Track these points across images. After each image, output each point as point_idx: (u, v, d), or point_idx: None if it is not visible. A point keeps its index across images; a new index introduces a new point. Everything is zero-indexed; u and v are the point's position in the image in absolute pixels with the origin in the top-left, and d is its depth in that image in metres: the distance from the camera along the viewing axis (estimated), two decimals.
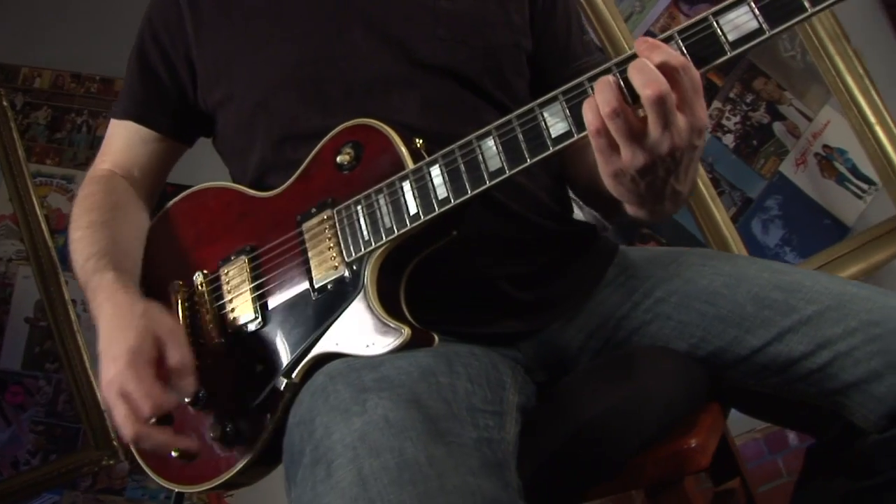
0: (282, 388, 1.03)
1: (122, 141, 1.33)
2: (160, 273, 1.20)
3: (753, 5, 0.90)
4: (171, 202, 1.26)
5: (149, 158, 1.32)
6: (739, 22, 0.91)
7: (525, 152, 0.96)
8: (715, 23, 0.91)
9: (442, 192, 0.99)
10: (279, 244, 1.10)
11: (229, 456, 1.06)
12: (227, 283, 1.13)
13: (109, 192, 1.26)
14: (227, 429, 1.06)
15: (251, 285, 1.11)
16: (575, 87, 0.94)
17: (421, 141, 1.06)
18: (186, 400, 1.08)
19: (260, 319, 1.09)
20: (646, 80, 0.83)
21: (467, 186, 0.98)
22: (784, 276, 1.11)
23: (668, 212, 0.98)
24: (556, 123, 0.95)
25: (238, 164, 1.28)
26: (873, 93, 2.56)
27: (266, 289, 1.10)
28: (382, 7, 1.20)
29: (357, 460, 0.76)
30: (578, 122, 0.93)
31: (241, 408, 1.07)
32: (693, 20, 0.93)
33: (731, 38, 0.90)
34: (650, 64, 0.85)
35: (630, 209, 0.98)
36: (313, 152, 1.12)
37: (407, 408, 0.81)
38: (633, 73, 0.85)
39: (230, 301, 1.12)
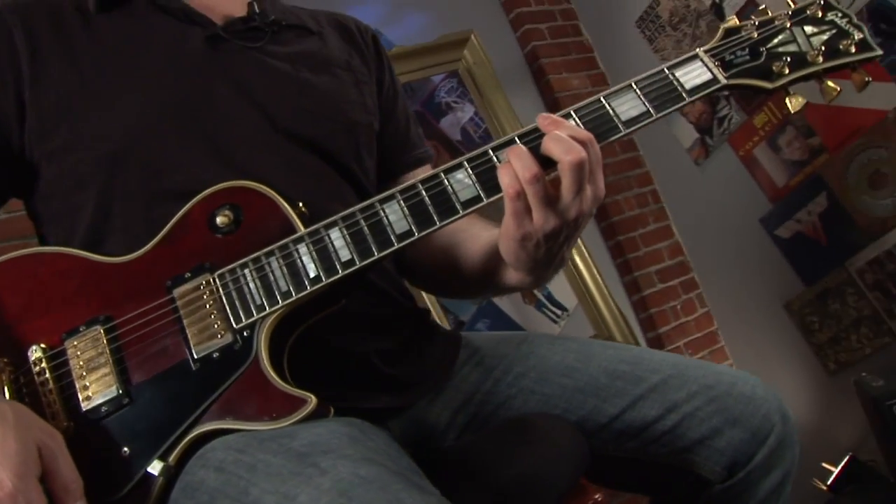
0: (157, 472, 0.91)
1: None
2: None
3: (638, 91, 1.02)
4: None
5: None
6: (627, 106, 1.02)
7: (434, 215, 0.97)
8: (606, 104, 1.01)
9: (345, 254, 0.97)
10: (144, 313, 0.99)
11: None
12: (77, 357, 0.98)
13: None
14: None
15: (112, 358, 0.97)
16: (480, 156, 0.98)
17: (302, 205, 1.03)
18: None
19: (124, 396, 0.96)
20: (566, 148, 0.90)
21: (373, 248, 0.96)
22: (625, 352, 1.21)
23: (549, 278, 1.05)
24: (463, 189, 0.97)
25: (63, 226, 1.12)
26: None
27: (130, 362, 0.98)
28: (247, 71, 1.16)
29: None
30: (487, 188, 0.96)
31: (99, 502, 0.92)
32: (586, 101, 1.02)
33: (623, 118, 1.00)
34: (564, 135, 0.92)
35: (517, 276, 1.04)
36: (180, 213, 1.03)
37: (369, 465, 0.77)
38: (551, 142, 0.92)
39: (81, 377, 0.97)
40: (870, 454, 2.68)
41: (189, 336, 0.96)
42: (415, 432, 1.16)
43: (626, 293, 3.59)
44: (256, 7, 1.22)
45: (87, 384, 0.97)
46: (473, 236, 1.18)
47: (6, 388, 0.97)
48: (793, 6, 1.15)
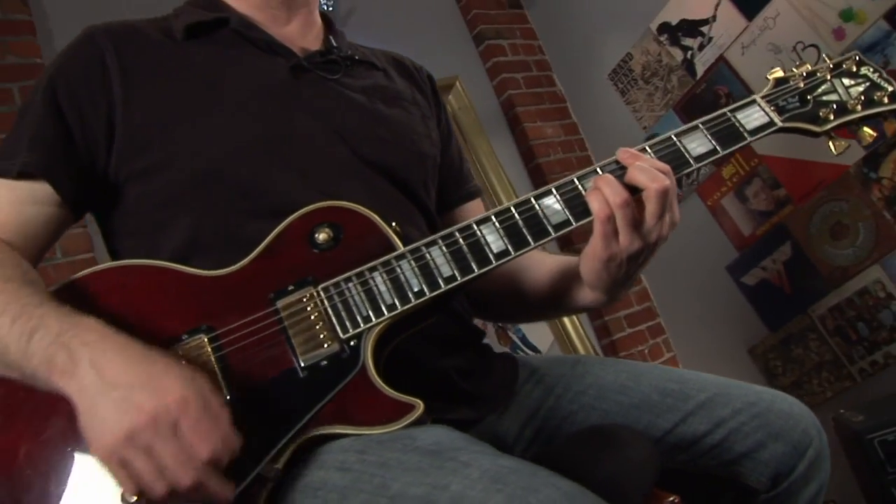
0: (268, 475, 0.95)
1: (6, 201, 1.11)
2: None
3: (705, 131, 1.12)
4: (68, 280, 1.08)
5: (41, 226, 1.13)
6: (696, 144, 1.12)
7: (528, 236, 1.04)
8: (678, 142, 1.11)
9: (446, 270, 1.03)
10: (247, 323, 1.03)
11: None
12: None
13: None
14: None
15: (218, 367, 1.01)
16: (566, 184, 1.07)
17: (395, 224, 1.09)
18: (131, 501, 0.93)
19: (232, 402, 0.99)
20: (652, 177, 1.01)
21: (473, 266, 1.03)
22: (670, 372, 1.29)
23: (621, 297, 1.14)
24: (553, 213, 1.05)
25: (146, 242, 1.15)
26: None
27: (235, 370, 1.01)
28: (327, 101, 1.23)
29: (514, 499, 0.74)
30: (575, 213, 1.05)
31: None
32: (659, 139, 1.12)
33: (693, 154, 1.10)
34: (647, 166, 1.01)
35: (593, 295, 1.14)
36: (278, 230, 1.08)
37: (505, 457, 0.83)
38: (637, 172, 1.02)
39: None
40: (838, 494, 2.79)
41: (295, 345, 1.01)
42: (488, 443, 1.21)
43: (597, 337, 3.69)
44: (334, 41, 1.29)
45: None
46: (537, 262, 1.26)
47: None
48: (828, 62, 1.26)
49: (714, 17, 3.42)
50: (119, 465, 0.85)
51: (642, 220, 1.03)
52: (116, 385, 0.87)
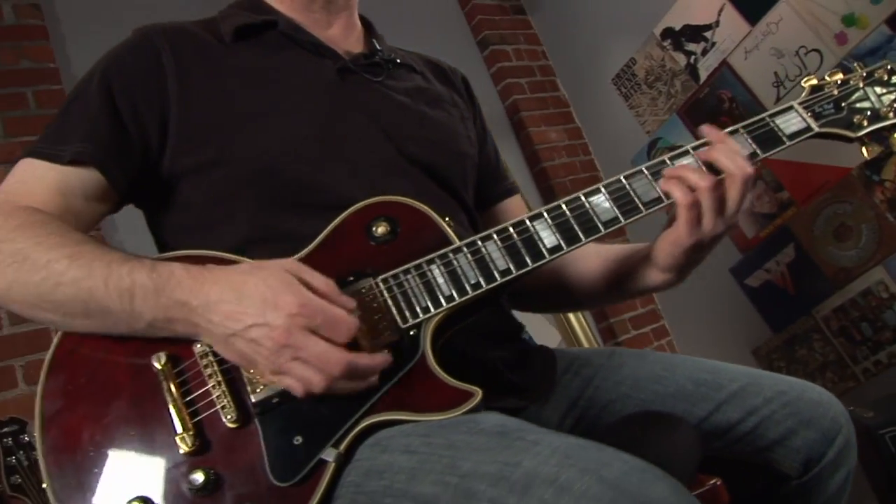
0: (331, 459, 0.98)
1: (54, 186, 1.12)
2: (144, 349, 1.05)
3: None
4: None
5: (83, 215, 1.15)
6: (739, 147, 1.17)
7: (579, 232, 1.09)
8: (771, 122, 1.18)
9: (501, 263, 1.07)
10: None
11: None
12: None
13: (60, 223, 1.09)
14: None
15: None
16: (613, 183, 1.13)
17: (448, 219, 1.12)
18: (196, 483, 0.96)
19: None
20: (740, 164, 1.08)
21: (527, 259, 1.07)
22: (702, 363, 1.33)
23: (687, 277, 1.22)
24: (603, 211, 1.11)
25: (199, 235, 1.17)
26: None
27: None
28: (374, 101, 1.27)
29: (587, 472, 0.78)
30: (624, 211, 1.11)
31: (269, 489, 0.98)
32: (752, 119, 1.19)
33: (787, 132, 1.18)
34: (733, 149, 1.10)
35: (663, 277, 1.22)
36: (335, 223, 1.11)
37: (569, 436, 0.86)
38: (722, 156, 1.09)
39: (249, 370, 1.03)
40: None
41: (357, 335, 1.04)
42: None
43: (602, 339, 3.73)
44: (377, 45, 1.33)
45: (256, 378, 1.02)
46: (582, 254, 1.30)
47: (171, 382, 1.02)
48: (860, 70, 1.31)
49: (717, 23, 3.48)
50: (280, 379, 0.95)
51: (724, 206, 1.09)
52: (239, 323, 0.95)
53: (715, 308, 3.68)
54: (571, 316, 3.45)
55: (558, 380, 1.32)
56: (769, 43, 3.31)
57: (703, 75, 3.56)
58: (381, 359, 0.98)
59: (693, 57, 3.60)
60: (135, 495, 0.97)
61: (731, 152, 1.10)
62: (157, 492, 0.97)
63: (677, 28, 3.65)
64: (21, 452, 1.89)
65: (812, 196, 3.26)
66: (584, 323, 3.49)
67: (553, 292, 1.41)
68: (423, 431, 0.95)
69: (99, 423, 1.01)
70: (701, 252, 1.13)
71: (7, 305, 1.07)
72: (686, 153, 1.14)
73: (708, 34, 3.52)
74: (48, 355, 1.06)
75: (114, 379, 1.04)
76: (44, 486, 1.01)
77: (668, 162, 1.12)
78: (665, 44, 3.70)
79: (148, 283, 0.99)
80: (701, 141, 1.16)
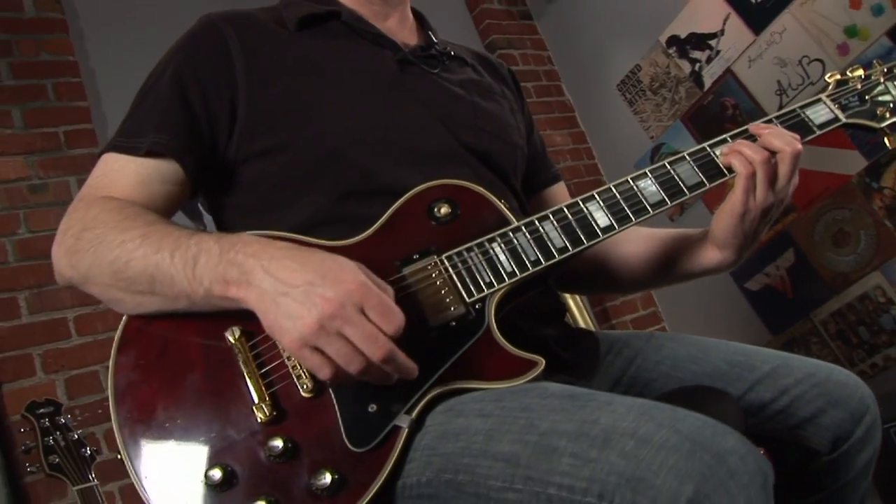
0: (405, 425, 1.03)
1: (134, 177, 1.19)
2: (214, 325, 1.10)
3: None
4: None
5: (163, 202, 1.21)
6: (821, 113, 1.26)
7: (629, 213, 1.17)
8: (802, 113, 1.27)
9: (558, 242, 1.13)
10: None
11: None
12: None
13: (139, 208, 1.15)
14: (335, 477, 1.00)
15: None
16: (658, 168, 1.19)
17: (504, 202, 1.19)
18: (276, 450, 1.01)
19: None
20: (788, 141, 1.18)
21: (582, 238, 1.14)
22: (735, 346, 1.40)
23: (744, 258, 1.30)
24: (650, 194, 1.18)
25: (263, 217, 1.24)
26: None
27: None
28: (431, 92, 1.33)
29: (664, 426, 0.84)
30: (670, 194, 1.18)
31: (345, 454, 1.02)
32: (784, 111, 1.28)
33: (816, 122, 1.27)
34: (781, 131, 1.19)
35: (720, 255, 1.29)
36: (397, 205, 1.16)
37: (635, 398, 0.92)
38: (772, 137, 1.19)
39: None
40: None
41: (424, 308, 1.10)
42: None
43: None
44: (434, 37, 1.40)
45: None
46: (628, 238, 1.38)
47: (246, 354, 1.07)
48: (880, 66, 1.39)
49: (722, 31, 3.57)
50: (313, 353, 0.95)
51: (776, 179, 1.18)
52: (294, 284, 0.96)
53: (715, 310, 3.76)
54: (578, 316, 3.51)
55: (602, 360, 1.38)
56: (773, 52, 3.40)
57: (708, 83, 3.65)
58: (414, 365, 0.99)
59: (698, 64, 3.68)
60: (215, 462, 1.01)
61: (781, 133, 1.19)
62: (235, 459, 1.02)
63: (683, 36, 3.73)
64: (58, 433, 1.93)
65: (812, 202, 3.35)
66: (588, 323, 3.56)
67: (598, 274, 1.48)
68: (494, 397, 1.01)
69: (173, 396, 1.06)
70: (753, 224, 1.20)
71: (87, 289, 1.14)
72: (745, 131, 1.24)
73: (713, 42, 3.61)
74: (118, 333, 1.11)
75: (185, 353, 1.09)
76: (118, 456, 1.06)
77: (728, 139, 1.22)
78: (670, 51, 3.78)
79: (214, 248, 1.03)
80: (742, 128, 1.25)
